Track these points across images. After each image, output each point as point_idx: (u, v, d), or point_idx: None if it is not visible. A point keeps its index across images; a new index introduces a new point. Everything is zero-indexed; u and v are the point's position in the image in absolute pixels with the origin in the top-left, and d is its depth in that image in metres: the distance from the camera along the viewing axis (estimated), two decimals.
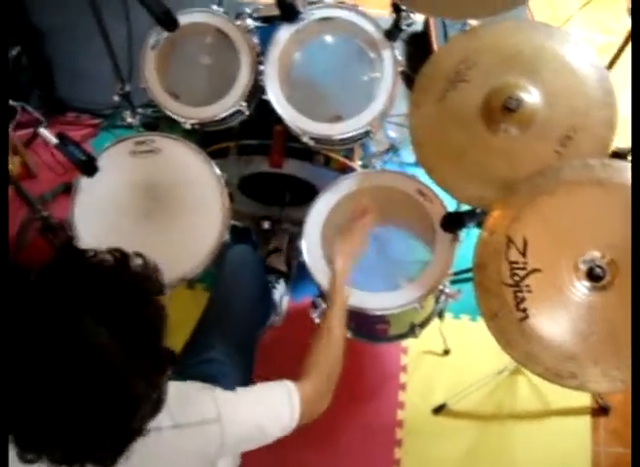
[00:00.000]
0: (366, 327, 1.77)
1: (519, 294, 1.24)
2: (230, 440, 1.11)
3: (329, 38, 1.84)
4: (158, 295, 0.97)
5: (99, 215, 1.66)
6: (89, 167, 1.63)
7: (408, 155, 2.29)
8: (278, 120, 1.75)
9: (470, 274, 1.36)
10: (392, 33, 1.72)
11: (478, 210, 1.50)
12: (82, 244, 1.60)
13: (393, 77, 1.71)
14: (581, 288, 1.23)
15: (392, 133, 2.32)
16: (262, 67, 1.74)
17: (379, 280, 1.62)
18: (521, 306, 1.24)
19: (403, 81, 1.83)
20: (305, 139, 1.74)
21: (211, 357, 1.46)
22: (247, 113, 1.78)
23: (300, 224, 1.64)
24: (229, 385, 1.18)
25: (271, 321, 1.92)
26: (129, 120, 2.11)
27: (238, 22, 1.79)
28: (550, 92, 1.40)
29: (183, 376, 1.18)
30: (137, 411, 0.91)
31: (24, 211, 2.16)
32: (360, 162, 1.95)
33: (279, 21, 1.77)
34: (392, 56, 1.72)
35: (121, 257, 0.95)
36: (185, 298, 2.11)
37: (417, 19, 1.90)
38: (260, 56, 1.77)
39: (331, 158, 1.87)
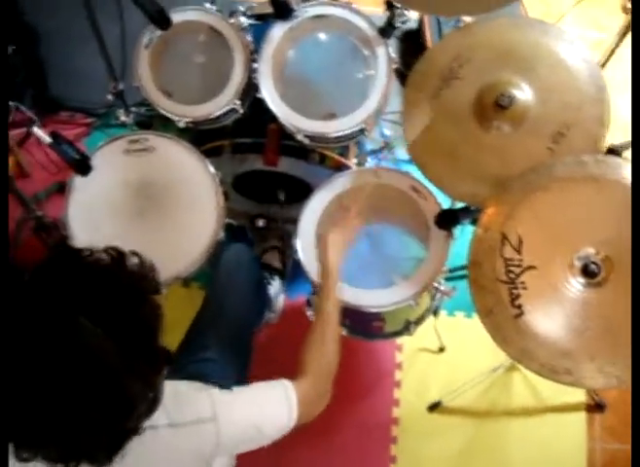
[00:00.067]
0: (361, 324, 1.77)
1: (514, 291, 1.24)
2: (225, 439, 1.11)
3: (323, 36, 1.84)
4: (154, 294, 0.97)
5: (93, 214, 1.65)
6: (83, 166, 1.63)
7: (403, 152, 2.29)
8: (272, 118, 1.74)
9: (465, 272, 1.36)
10: (386, 30, 1.72)
11: (472, 207, 1.51)
12: (76, 243, 1.58)
13: (387, 74, 1.71)
14: (576, 284, 1.23)
15: (387, 131, 2.32)
16: (255, 65, 1.74)
17: (374, 277, 1.62)
18: (517, 303, 1.24)
19: (397, 78, 1.83)
20: (300, 137, 1.73)
21: (207, 357, 1.46)
22: (241, 111, 1.78)
23: (294, 222, 1.64)
24: (225, 385, 1.17)
25: (267, 318, 1.92)
26: (123, 118, 2.09)
27: (232, 20, 1.78)
28: (542, 89, 1.41)
29: (179, 375, 1.18)
30: (133, 410, 0.91)
31: (18, 211, 2.15)
32: (355, 160, 1.95)
33: (273, 19, 1.76)
34: (386, 54, 1.72)
35: (117, 256, 0.95)
36: (180, 296, 2.10)
37: (412, 17, 1.89)
38: (253, 54, 1.76)
39: (326, 155, 1.86)
